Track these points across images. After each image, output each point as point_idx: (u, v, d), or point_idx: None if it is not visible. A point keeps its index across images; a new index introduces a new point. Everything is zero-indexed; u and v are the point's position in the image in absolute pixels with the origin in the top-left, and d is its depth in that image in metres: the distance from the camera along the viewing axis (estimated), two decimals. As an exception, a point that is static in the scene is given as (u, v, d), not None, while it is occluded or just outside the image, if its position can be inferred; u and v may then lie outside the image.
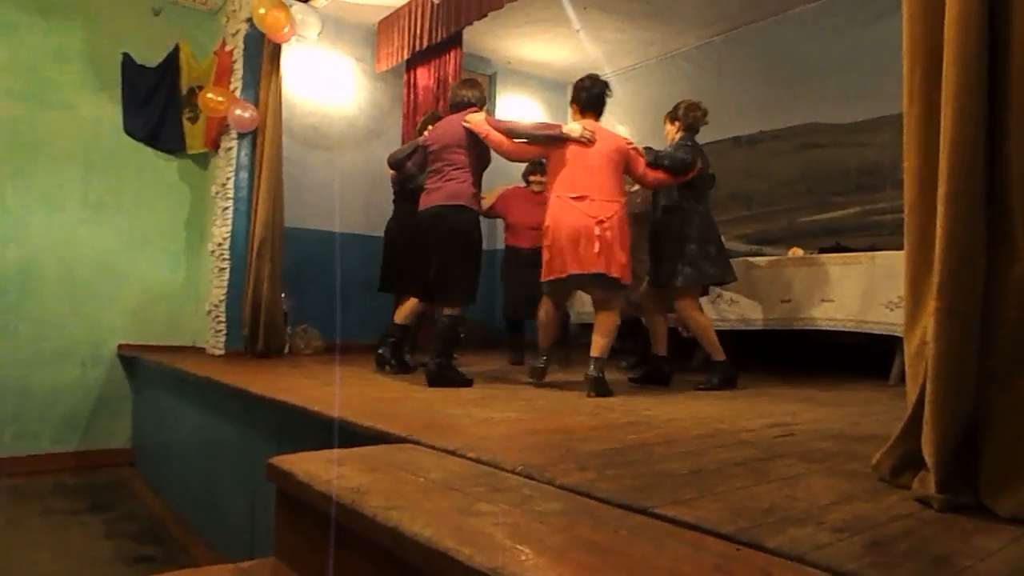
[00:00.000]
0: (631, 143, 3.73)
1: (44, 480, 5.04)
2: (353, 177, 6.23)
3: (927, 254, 1.52)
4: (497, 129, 3.72)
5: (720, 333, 4.82)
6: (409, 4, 5.83)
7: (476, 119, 3.76)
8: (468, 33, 5.89)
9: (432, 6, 5.46)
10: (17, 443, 5.20)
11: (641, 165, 3.70)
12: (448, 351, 3.72)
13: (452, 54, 5.94)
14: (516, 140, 3.75)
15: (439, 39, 5.53)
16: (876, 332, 4.12)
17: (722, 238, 4.04)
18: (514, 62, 7.36)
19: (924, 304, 1.55)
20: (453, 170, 3.76)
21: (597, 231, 3.43)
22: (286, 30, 5.18)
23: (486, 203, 5.11)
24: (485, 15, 5.05)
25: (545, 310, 3.84)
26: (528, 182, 5.15)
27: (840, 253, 4.58)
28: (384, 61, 6.28)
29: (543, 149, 3.73)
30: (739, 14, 6.08)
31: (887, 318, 4.05)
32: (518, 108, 7.45)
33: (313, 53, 6.12)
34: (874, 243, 4.74)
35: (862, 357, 4.63)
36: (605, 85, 3.76)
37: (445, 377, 3.64)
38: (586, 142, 3.58)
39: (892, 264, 4.04)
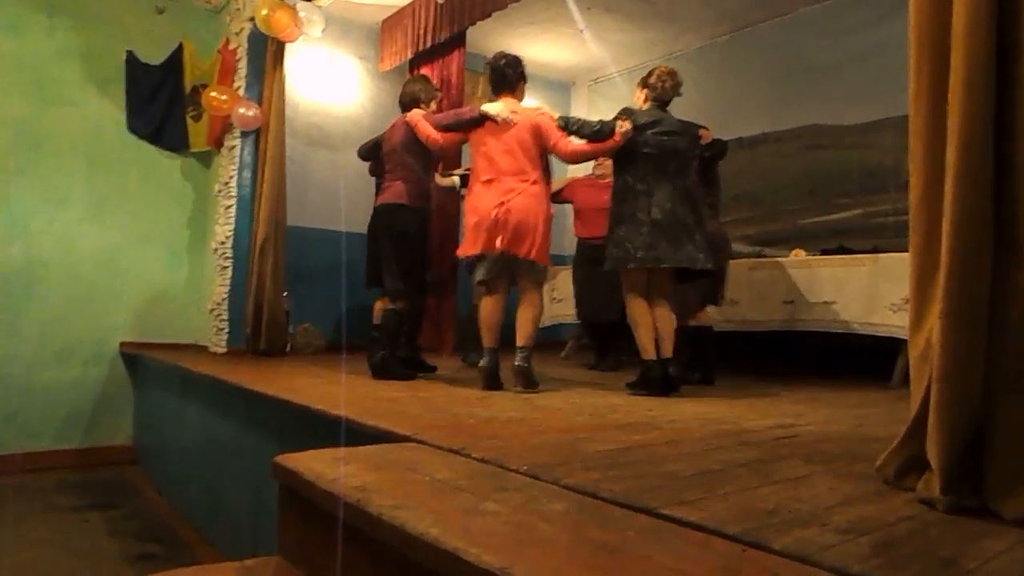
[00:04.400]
0: (546, 114, 3.60)
1: (46, 478, 5.04)
2: (356, 176, 6.16)
3: (932, 256, 1.52)
4: (430, 123, 3.80)
5: (722, 334, 4.84)
6: (413, 4, 5.83)
7: (414, 116, 3.91)
8: (471, 33, 5.89)
9: (436, 6, 5.46)
10: (19, 441, 5.20)
11: (553, 136, 3.51)
12: (391, 344, 3.89)
13: (455, 54, 5.93)
14: (442, 130, 3.77)
15: (442, 39, 5.53)
16: (879, 334, 4.12)
17: (680, 222, 3.47)
18: (517, 62, 7.35)
19: (929, 306, 1.55)
20: (400, 169, 4.02)
21: (500, 212, 3.42)
22: (289, 30, 5.18)
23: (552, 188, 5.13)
24: (489, 15, 5.05)
25: (484, 302, 3.64)
26: (593, 171, 5.12)
27: (843, 255, 4.58)
28: (388, 60, 6.28)
29: (464, 135, 3.71)
30: (742, 15, 6.08)
31: (890, 320, 4.05)
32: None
33: (317, 52, 6.12)
34: (877, 245, 4.74)
35: (864, 359, 4.63)
36: (509, 61, 3.65)
37: (389, 370, 3.82)
38: (503, 122, 3.50)
39: (895, 266, 4.04)
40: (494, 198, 3.46)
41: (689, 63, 6.76)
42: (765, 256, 5.20)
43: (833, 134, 5.62)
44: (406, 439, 2.10)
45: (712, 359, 4.13)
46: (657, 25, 6.36)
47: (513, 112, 3.54)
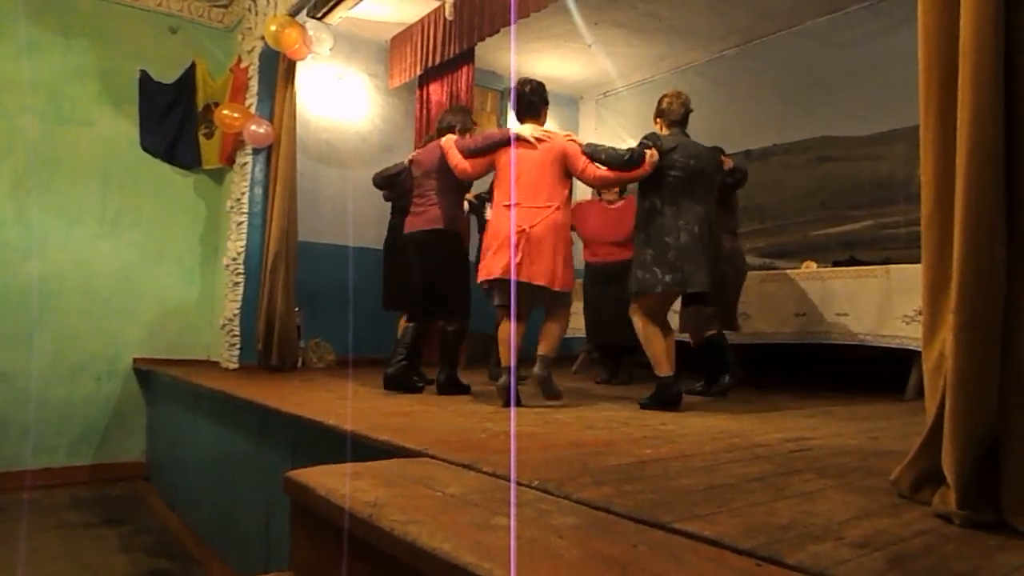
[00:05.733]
0: (573, 139, 3.59)
1: (60, 493, 5.06)
2: (366, 192, 6.23)
3: (945, 268, 1.52)
4: (459, 149, 3.77)
5: (733, 347, 4.82)
6: (422, 21, 5.89)
7: (447, 142, 3.88)
8: (480, 49, 5.94)
9: (445, 22, 5.51)
10: (34, 456, 5.23)
11: (579, 162, 3.49)
12: (453, 363, 3.99)
13: (464, 70, 5.99)
14: (470, 155, 3.74)
15: (451, 55, 5.58)
16: (892, 346, 4.09)
17: (703, 245, 3.47)
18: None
19: (942, 319, 1.54)
20: (432, 194, 3.96)
21: (520, 239, 3.38)
22: (297, 47, 5.23)
23: None
24: (497, 31, 5.09)
25: (503, 325, 3.58)
26: (600, 195, 5.02)
27: (854, 267, 4.56)
28: (397, 77, 6.34)
29: (491, 159, 3.68)
30: (751, 28, 6.10)
31: (903, 332, 4.02)
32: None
33: (327, 69, 6.19)
34: (888, 256, 4.72)
35: (877, 371, 4.59)
36: (534, 87, 3.66)
37: (450, 387, 3.93)
38: (529, 143, 3.50)
39: (907, 277, 4.02)
40: (515, 224, 3.43)
41: (698, 76, 6.79)
42: (776, 269, 5.18)
43: (843, 146, 5.61)
44: (417, 454, 2.10)
45: (732, 361, 4.10)
46: (665, 39, 6.39)
47: (547, 133, 3.56)
